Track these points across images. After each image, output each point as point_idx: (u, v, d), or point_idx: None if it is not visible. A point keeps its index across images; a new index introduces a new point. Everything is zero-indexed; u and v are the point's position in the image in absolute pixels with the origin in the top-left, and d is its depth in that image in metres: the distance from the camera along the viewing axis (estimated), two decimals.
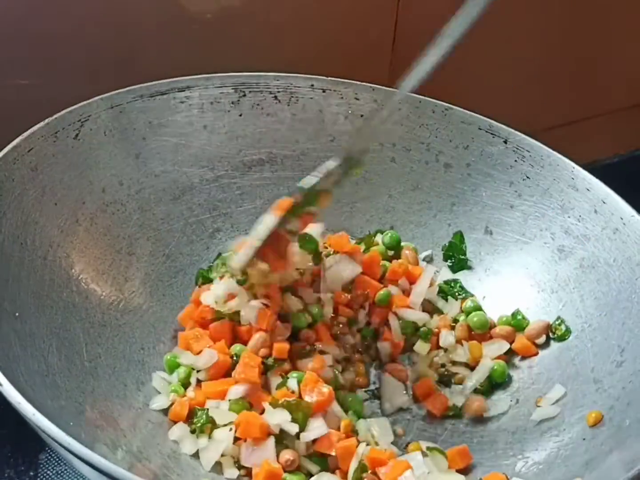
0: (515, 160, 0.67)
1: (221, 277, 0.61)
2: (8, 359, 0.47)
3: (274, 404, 0.54)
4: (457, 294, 0.66)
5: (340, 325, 0.62)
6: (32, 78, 0.66)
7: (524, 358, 0.62)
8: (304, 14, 0.75)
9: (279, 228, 0.59)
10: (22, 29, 0.64)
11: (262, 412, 0.55)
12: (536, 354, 0.61)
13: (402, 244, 0.69)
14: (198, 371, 0.58)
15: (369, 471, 0.52)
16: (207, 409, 0.55)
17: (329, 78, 0.70)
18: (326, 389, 0.55)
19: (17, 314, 0.51)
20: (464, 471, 0.55)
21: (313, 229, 0.62)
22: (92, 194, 0.62)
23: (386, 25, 0.80)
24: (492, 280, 0.67)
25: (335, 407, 0.55)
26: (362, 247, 0.67)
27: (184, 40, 0.71)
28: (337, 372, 0.59)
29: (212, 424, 0.54)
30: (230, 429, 0.54)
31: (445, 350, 0.63)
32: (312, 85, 0.69)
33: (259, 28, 0.73)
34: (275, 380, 0.57)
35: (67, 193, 0.60)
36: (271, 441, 0.53)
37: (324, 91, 0.69)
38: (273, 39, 0.74)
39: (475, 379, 0.61)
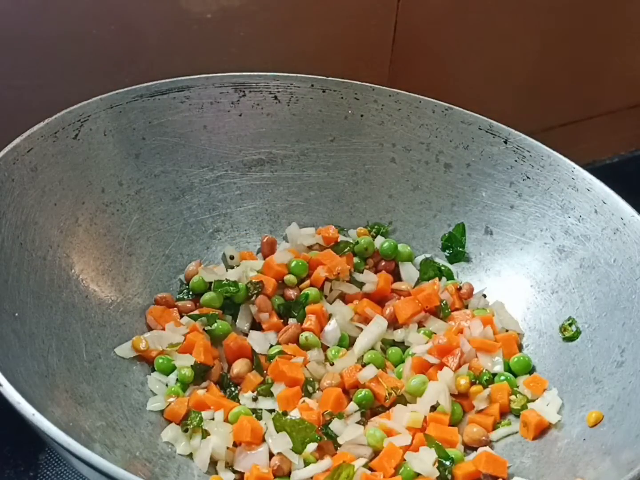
0: (516, 160, 0.67)
1: None
2: (8, 359, 0.47)
3: (278, 423, 0.54)
4: None
5: None
6: (32, 78, 0.66)
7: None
8: (304, 13, 0.75)
9: None
10: (22, 30, 0.64)
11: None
12: None
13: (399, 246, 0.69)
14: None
15: None
16: (201, 413, 0.55)
17: (329, 78, 0.69)
18: None
19: (16, 314, 0.51)
20: None
21: None
22: (92, 194, 0.62)
23: (386, 25, 0.80)
24: (492, 281, 0.67)
25: None
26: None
27: (183, 40, 0.71)
28: None
29: (205, 432, 0.55)
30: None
31: None
32: (312, 85, 0.69)
33: (259, 28, 0.73)
34: None
35: (67, 193, 0.60)
36: (264, 447, 0.53)
37: (324, 91, 0.69)
38: (273, 39, 0.74)
39: None
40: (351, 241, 0.68)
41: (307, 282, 0.65)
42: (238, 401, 0.58)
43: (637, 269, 0.58)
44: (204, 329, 0.61)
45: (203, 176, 0.68)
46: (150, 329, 0.61)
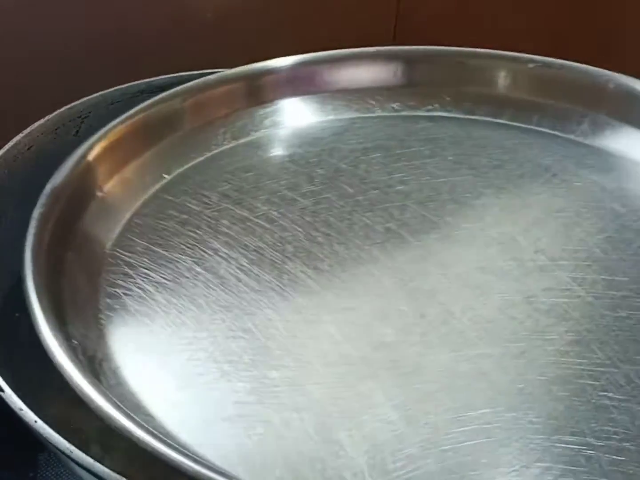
0: None
1: None
2: (9, 363, 0.47)
3: None
4: None
5: None
6: (33, 77, 0.66)
7: None
8: (304, 14, 0.75)
9: None
10: (23, 28, 0.64)
11: None
12: None
13: None
14: None
15: None
16: None
17: None
18: None
19: (17, 314, 0.51)
20: None
21: None
22: None
23: (386, 25, 0.80)
24: None
25: None
26: None
27: (184, 39, 0.70)
28: None
29: None
30: None
31: None
32: None
33: (259, 28, 0.73)
34: None
35: None
36: None
37: None
38: (273, 38, 0.74)
39: None
40: None
41: None
42: None
43: None
44: None
45: None
46: None
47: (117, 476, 0.40)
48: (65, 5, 0.64)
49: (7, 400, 0.42)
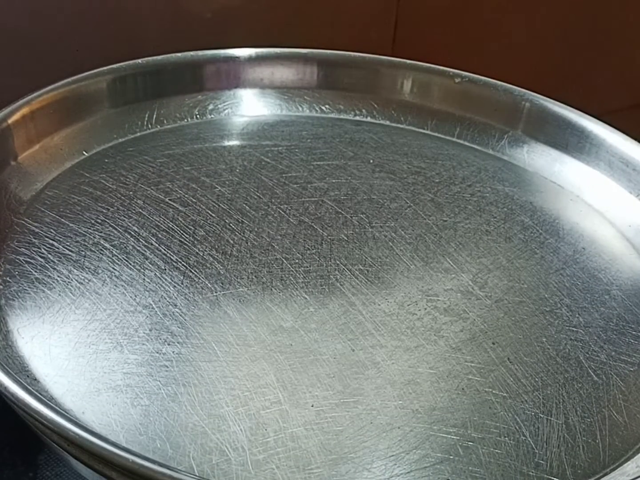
0: None
1: None
2: None
3: None
4: None
5: None
6: (33, 78, 0.64)
7: None
8: (304, 14, 0.75)
9: None
10: (22, 30, 0.63)
11: None
12: None
13: None
14: None
15: None
16: None
17: None
18: None
19: None
20: None
21: None
22: None
23: (386, 25, 0.81)
24: None
25: None
26: None
27: (183, 40, 0.70)
28: None
29: None
30: None
31: None
32: None
33: (259, 28, 0.74)
34: None
35: None
36: None
37: None
38: (273, 39, 0.74)
39: None
40: None
41: None
42: None
43: None
44: None
45: None
46: None
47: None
48: (63, 8, 0.63)
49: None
